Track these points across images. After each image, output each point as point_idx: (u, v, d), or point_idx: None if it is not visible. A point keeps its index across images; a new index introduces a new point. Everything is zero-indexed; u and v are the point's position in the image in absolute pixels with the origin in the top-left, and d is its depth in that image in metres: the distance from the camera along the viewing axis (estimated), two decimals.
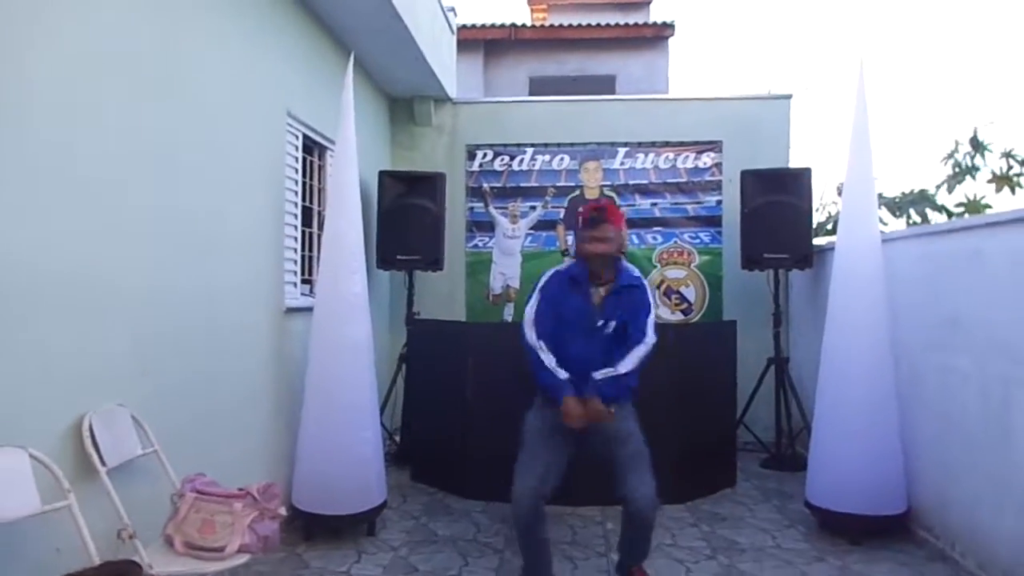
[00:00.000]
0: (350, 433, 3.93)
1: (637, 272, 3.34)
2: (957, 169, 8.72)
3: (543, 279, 3.32)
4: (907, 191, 7.65)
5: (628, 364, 3.10)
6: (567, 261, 3.41)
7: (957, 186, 8.67)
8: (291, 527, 3.99)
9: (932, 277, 4.03)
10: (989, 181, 8.42)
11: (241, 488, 2.62)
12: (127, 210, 2.78)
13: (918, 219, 7.54)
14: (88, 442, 2.44)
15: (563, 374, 3.09)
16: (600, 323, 3.15)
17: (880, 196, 7.85)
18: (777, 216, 5.61)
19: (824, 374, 4.21)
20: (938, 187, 8.55)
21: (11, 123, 2.20)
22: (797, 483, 4.24)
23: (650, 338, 3.17)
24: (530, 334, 3.20)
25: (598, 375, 3.07)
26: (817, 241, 6.09)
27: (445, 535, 4.13)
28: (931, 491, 3.99)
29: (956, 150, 8.79)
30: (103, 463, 2.45)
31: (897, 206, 7.47)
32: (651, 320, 3.20)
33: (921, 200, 7.45)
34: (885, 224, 7.44)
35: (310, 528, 3.97)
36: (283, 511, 2.67)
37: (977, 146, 8.56)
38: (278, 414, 4.17)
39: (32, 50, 2.29)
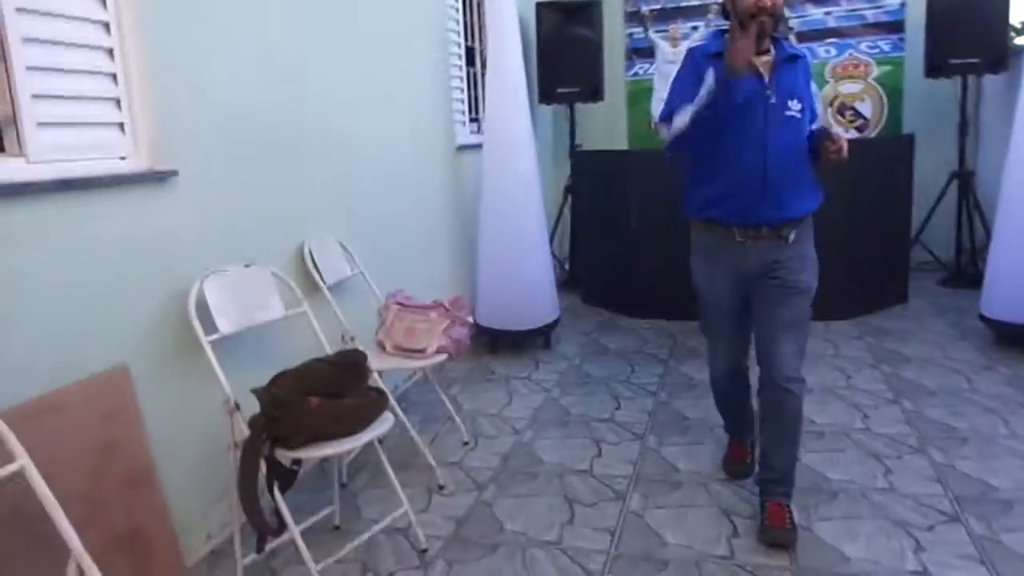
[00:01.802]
0: (522, 257, 4.30)
1: (797, 46, 2.66)
2: None
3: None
4: None
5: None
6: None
7: None
8: (477, 342, 4.51)
9: None
10: None
11: (435, 300, 3.04)
12: (321, 64, 3.12)
13: None
14: (310, 263, 2.93)
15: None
16: (774, 100, 2.27)
17: None
18: (968, 14, 5.11)
19: (1008, 182, 4.01)
20: None
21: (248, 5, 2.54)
22: (977, 300, 4.18)
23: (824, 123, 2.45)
24: (663, 128, 2.37)
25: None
26: (1019, 41, 5.52)
27: (615, 348, 4.50)
28: None
29: None
30: (323, 281, 2.95)
31: None
32: (817, 103, 2.50)
33: None
34: None
35: (494, 342, 4.47)
36: (470, 319, 3.08)
37: None
38: (459, 241, 4.60)
39: None
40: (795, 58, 2.38)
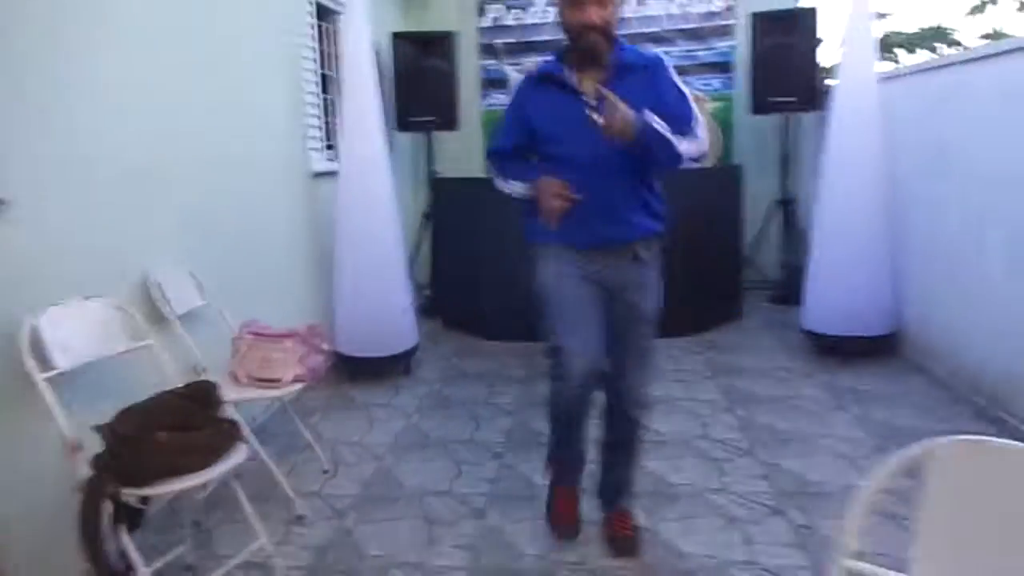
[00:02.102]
0: (380, 283, 4.33)
1: (651, 51, 2.37)
2: None
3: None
4: (926, 27, 7.53)
5: (660, 127, 2.08)
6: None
7: (980, 14, 8.47)
8: (336, 370, 4.48)
9: (924, 111, 4.18)
10: (1019, 9, 8.22)
11: (290, 329, 3.02)
12: (169, 88, 3.04)
13: (932, 56, 7.47)
14: (157, 294, 2.84)
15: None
16: (601, 120, 2.07)
17: (898, 33, 7.75)
18: (785, 59, 5.66)
19: (821, 206, 4.47)
20: (969, 13, 8.35)
21: (85, 24, 2.45)
22: (800, 315, 4.62)
23: (697, 130, 2.18)
24: (488, 166, 2.46)
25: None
26: (828, 82, 6.14)
27: (473, 371, 4.60)
28: (916, 312, 4.33)
29: None
30: (172, 312, 2.86)
31: (911, 42, 7.37)
32: (687, 100, 2.22)
33: (937, 35, 7.34)
34: (897, 62, 7.39)
35: (353, 370, 4.45)
36: (326, 347, 3.08)
37: None
38: (316, 268, 4.57)
39: None
40: (634, 67, 2.21)
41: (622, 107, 2.02)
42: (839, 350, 4.40)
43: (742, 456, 3.19)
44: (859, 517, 1.03)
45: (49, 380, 2.12)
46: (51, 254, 2.36)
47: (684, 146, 2.13)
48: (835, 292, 4.35)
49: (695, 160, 2.21)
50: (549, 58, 2.34)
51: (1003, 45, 3.49)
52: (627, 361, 2.36)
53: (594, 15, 2.11)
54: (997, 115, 3.43)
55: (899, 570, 1.00)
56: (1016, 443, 0.93)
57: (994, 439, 0.94)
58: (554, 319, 2.32)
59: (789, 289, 5.99)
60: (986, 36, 8.17)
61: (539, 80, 2.30)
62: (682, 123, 2.16)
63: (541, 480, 3.03)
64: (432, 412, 3.91)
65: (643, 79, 2.20)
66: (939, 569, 0.96)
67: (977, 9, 8.45)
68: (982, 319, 3.62)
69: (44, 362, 2.15)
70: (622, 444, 2.48)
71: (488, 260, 5.18)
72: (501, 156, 2.42)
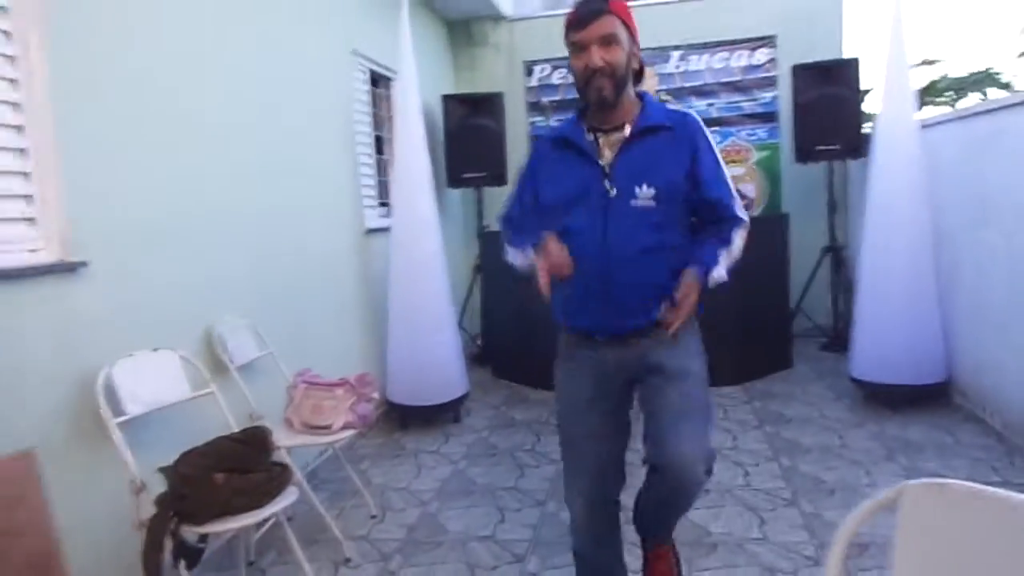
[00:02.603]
0: (431, 334, 4.49)
1: (680, 108, 2.12)
2: None
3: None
4: (972, 71, 7.51)
5: (719, 260, 1.92)
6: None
7: None
8: (388, 418, 4.65)
9: (968, 159, 4.18)
10: None
11: (341, 378, 3.19)
12: (232, 154, 3.30)
13: (982, 99, 7.42)
14: (218, 346, 3.05)
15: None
16: (613, 191, 1.92)
17: (945, 77, 7.73)
18: (828, 108, 5.71)
19: (866, 255, 4.48)
20: (1020, 55, 8.27)
21: (148, 89, 2.72)
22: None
23: (738, 210, 1.96)
24: (502, 235, 2.19)
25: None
26: (867, 128, 6.17)
27: (521, 419, 4.70)
28: (967, 361, 4.26)
29: None
30: (231, 362, 3.06)
31: (960, 87, 7.35)
32: (724, 177, 1.97)
33: (985, 80, 7.30)
34: (951, 106, 7.35)
35: (404, 418, 4.60)
36: (376, 395, 3.22)
37: None
38: (369, 320, 4.76)
39: (141, 44, 2.78)
40: (659, 128, 1.95)
41: (690, 293, 1.83)
42: (888, 399, 4.35)
43: (785, 506, 3.19)
44: (839, 556, 1.11)
45: (120, 425, 2.31)
46: (124, 309, 2.59)
47: (733, 252, 1.95)
48: (881, 340, 4.33)
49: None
50: (570, 116, 2.10)
51: None
52: (666, 426, 1.93)
53: (596, 57, 1.87)
54: None
55: None
56: (983, 487, 1.00)
57: (963, 482, 1.01)
58: (561, 445, 2.14)
59: (839, 337, 5.95)
60: None
61: (553, 143, 2.08)
62: (720, 209, 1.95)
63: None
64: (479, 459, 4.01)
65: (670, 142, 1.93)
66: None
67: None
68: None
69: (116, 408, 2.35)
70: (672, 505, 2.09)
71: (535, 311, 5.27)
72: (508, 223, 2.19)
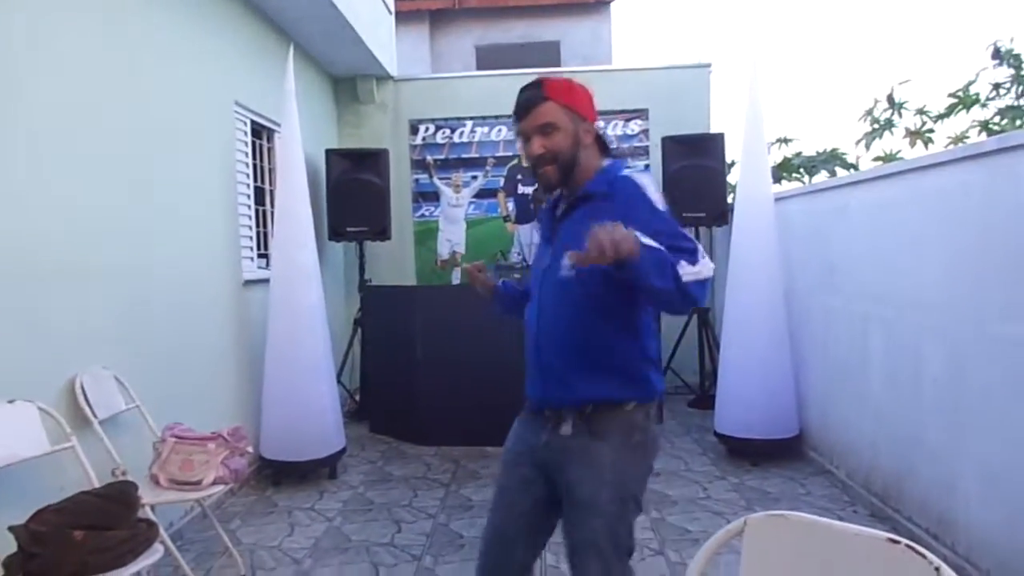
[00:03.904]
0: (308, 388, 4.43)
1: (626, 170, 1.94)
2: (876, 126, 9.33)
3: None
4: (822, 150, 8.24)
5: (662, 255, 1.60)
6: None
7: (875, 141, 9.29)
8: (261, 475, 4.51)
9: (816, 229, 4.60)
10: (904, 137, 9.05)
11: (213, 432, 3.10)
12: (101, 197, 3.19)
13: (829, 177, 8.15)
14: (81, 398, 2.90)
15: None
16: (547, 262, 1.94)
17: (799, 155, 8.45)
18: (695, 178, 6.13)
19: (727, 317, 4.80)
20: (857, 143, 9.16)
21: (21, 133, 2.62)
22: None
23: (687, 268, 1.60)
24: None
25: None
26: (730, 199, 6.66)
27: (399, 475, 4.66)
28: (816, 415, 4.62)
29: (874, 107, 9.39)
30: (95, 415, 2.92)
31: (811, 165, 8.05)
32: (665, 229, 1.68)
33: (832, 159, 8.04)
34: (802, 182, 8.03)
35: (277, 474, 4.47)
36: (250, 449, 3.15)
37: (893, 103, 9.17)
38: (244, 373, 4.63)
39: (33, 75, 2.69)
40: (594, 196, 1.87)
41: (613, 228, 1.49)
42: (748, 452, 4.63)
43: (652, 556, 3.32)
44: None
45: None
46: None
47: (686, 268, 1.61)
48: (741, 397, 4.63)
49: (699, 291, 1.64)
50: None
51: (879, 170, 3.95)
52: (573, 558, 1.86)
53: (536, 146, 1.87)
54: (873, 233, 3.83)
55: None
56: (816, 517, 1.14)
57: (797, 514, 1.14)
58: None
59: (705, 394, 6.28)
60: (878, 159, 8.94)
61: (543, 211, 2.14)
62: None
63: None
64: (354, 515, 3.94)
65: (603, 210, 1.70)
66: None
67: (869, 136, 9.23)
68: (867, 424, 3.91)
69: None
70: None
71: (415, 366, 5.33)
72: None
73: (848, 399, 4.15)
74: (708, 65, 7.24)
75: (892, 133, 9.24)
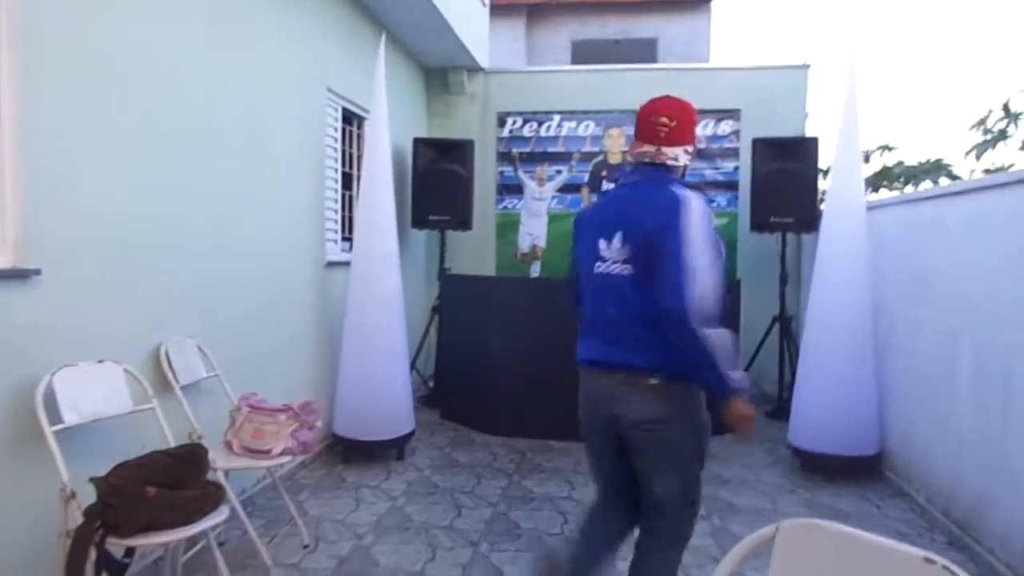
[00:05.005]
0: (382, 370, 4.54)
1: (683, 191, 2.20)
2: (988, 136, 8.84)
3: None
4: (924, 160, 7.87)
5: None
6: None
7: (987, 152, 8.81)
8: (332, 451, 4.65)
9: (908, 240, 4.40)
10: (1020, 148, 8.55)
11: (285, 404, 3.22)
12: (197, 175, 3.36)
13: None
14: (165, 363, 3.06)
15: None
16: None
17: (900, 164, 8.10)
18: (785, 182, 5.95)
19: (809, 326, 4.65)
20: (967, 153, 8.71)
21: (125, 111, 2.78)
22: None
23: (668, 300, 2.04)
24: None
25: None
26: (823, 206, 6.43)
27: (464, 461, 4.72)
28: (897, 435, 4.41)
29: (988, 117, 8.89)
30: (176, 380, 3.08)
31: (913, 175, 7.70)
32: (682, 260, 2.04)
33: (936, 169, 7.67)
34: (901, 191, 7.69)
35: (348, 452, 4.60)
36: (318, 423, 3.25)
37: (1009, 113, 8.67)
38: (321, 352, 4.79)
39: (118, 56, 2.85)
40: (646, 205, 2.22)
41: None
42: (823, 467, 4.47)
43: (713, 563, 3.26)
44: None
45: (56, 434, 2.32)
46: (73, 319, 2.61)
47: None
48: (819, 410, 4.47)
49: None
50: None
51: (978, 182, 3.74)
52: (644, 475, 2.30)
53: (635, 150, 2.41)
54: (969, 246, 3.64)
55: None
56: (850, 529, 1.10)
57: (831, 523, 1.11)
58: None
59: (783, 405, 6.09)
60: (989, 171, 8.47)
61: None
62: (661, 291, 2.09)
63: (509, 571, 3.13)
64: (418, 497, 4.02)
65: (642, 215, 2.21)
66: None
67: (981, 147, 8.76)
68: (952, 445, 3.72)
69: (54, 417, 2.36)
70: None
71: (489, 356, 5.38)
72: None
73: (931, 418, 3.96)
74: (806, 66, 7.00)
75: (1006, 144, 8.76)
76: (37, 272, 2.43)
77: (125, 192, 2.90)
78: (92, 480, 2.23)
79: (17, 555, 2.37)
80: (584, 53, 11.96)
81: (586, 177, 7.18)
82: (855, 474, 4.43)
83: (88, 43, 2.68)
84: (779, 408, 6.09)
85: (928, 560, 0.96)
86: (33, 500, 2.38)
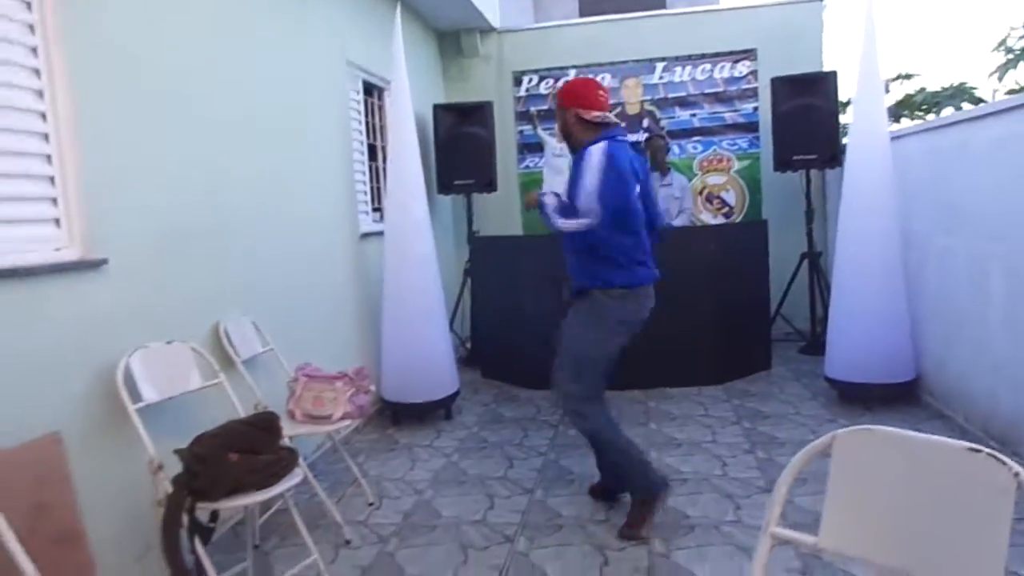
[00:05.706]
0: (423, 334, 4.68)
1: (599, 145, 2.99)
2: (1010, 56, 8.68)
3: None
4: (947, 85, 7.77)
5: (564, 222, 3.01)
6: None
7: (1010, 72, 8.66)
8: (381, 415, 4.83)
9: (934, 168, 4.42)
10: None
11: (339, 371, 3.37)
12: (240, 162, 3.48)
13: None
14: (225, 340, 3.22)
15: None
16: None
17: (922, 91, 8.00)
18: (806, 119, 5.95)
19: (840, 259, 4.70)
20: (990, 75, 8.57)
21: (169, 105, 2.90)
22: None
23: (564, 219, 3.00)
24: None
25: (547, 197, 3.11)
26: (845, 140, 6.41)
27: (510, 416, 4.88)
28: (932, 360, 4.49)
29: (1008, 36, 8.72)
30: (237, 355, 3.24)
31: (935, 101, 7.62)
32: (583, 190, 2.92)
33: (959, 94, 7.58)
34: (924, 119, 7.62)
35: (397, 415, 4.77)
36: (372, 387, 3.41)
37: None
38: (362, 322, 4.94)
39: (155, 51, 2.96)
40: (577, 157, 3.10)
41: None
42: (861, 397, 4.57)
43: (759, 493, 3.39)
44: (783, 494, 1.31)
45: (138, 410, 2.48)
46: (139, 303, 2.76)
47: (560, 222, 2.98)
48: (854, 341, 4.55)
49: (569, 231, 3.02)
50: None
51: (1001, 104, 3.75)
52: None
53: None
54: (996, 170, 3.66)
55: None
56: (900, 431, 1.20)
57: (883, 427, 1.22)
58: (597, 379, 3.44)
59: (817, 340, 6.17)
60: (1012, 91, 8.33)
61: None
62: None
63: (566, 512, 3.29)
64: (470, 453, 4.19)
65: (576, 167, 3.05)
66: (840, 529, 1.23)
67: (1003, 68, 8.62)
68: (987, 366, 3.79)
69: (134, 395, 2.52)
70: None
71: (524, 313, 5.50)
72: None
73: (966, 342, 4.03)
74: (821, 0, 6.93)
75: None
76: (104, 262, 2.57)
77: (177, 183, 3.04)
78: (176, 451, 2.39)
79: (112, 525, 2.55)
80: (592, 4, 11.84)
81: None
82: (893, 401, 4.52)
83: (124, 39, 2.78)
84: (813, 343, 6.17)
85: (973, 450, 1.07)
86: (122, 472, 2.56)
